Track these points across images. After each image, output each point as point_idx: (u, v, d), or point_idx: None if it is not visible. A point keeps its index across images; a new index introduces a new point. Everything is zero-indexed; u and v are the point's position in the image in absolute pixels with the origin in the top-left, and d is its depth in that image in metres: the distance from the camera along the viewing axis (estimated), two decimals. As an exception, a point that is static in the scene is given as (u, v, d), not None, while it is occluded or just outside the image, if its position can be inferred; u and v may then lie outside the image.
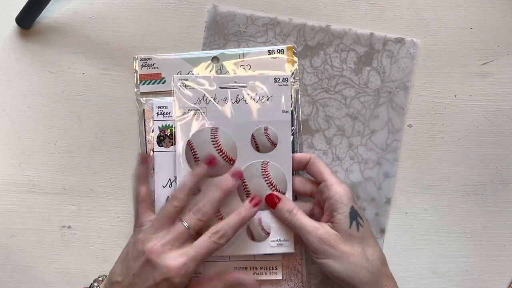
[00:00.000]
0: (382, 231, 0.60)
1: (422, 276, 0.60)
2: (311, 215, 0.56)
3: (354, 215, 0.54)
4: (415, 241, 0.58)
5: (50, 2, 0.60)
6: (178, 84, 0.58)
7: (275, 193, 0.57)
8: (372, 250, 0.54)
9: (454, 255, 0.60)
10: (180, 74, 0.60)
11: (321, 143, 0.61)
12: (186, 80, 0.58)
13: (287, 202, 0.56)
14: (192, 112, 0.58)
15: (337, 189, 0.54)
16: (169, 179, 0.59)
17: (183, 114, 0.58)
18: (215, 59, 0.61)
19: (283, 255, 0.59)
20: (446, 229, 0.60)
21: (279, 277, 0.59)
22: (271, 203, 0.57)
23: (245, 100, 0.58)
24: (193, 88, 0.58)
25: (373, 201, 0.60)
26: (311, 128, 0.61)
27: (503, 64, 0.62)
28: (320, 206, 0.57)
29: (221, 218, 0.57)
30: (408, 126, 0.61)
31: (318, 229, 0.54)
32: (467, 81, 0.62)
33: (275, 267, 0.59)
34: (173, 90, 0.59)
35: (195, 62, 0.61)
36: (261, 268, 0.59)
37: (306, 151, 0.61)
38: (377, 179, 0.60)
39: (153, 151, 0.60)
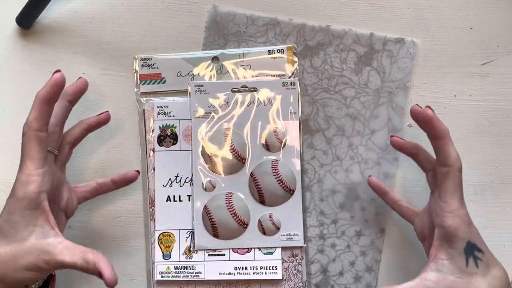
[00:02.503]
0: (382, 231, 0.60)
1: (422, 276, 0.60)
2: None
3: (471, 250, 0.49)
4: (415, 241, 0.58)
5: (50, 2, 0.60)
6: (194, 89, 0.60)
7: None
8: (498, 281, 0.49)
9: (454, 255, 0.60)
10: (180, 74, 0.61)
11: (321, 143, 0.61)
12: (201, 85, 0.60)
13: None
14: (207, 114, 0.60)
15: (454, 219, 0.49)
16: (169, 178, 0.60)
17: (199, 117, 0.60)
18: (215, 59, 0.61)
19: (284, 255, 0.59)
20: (446, 229, 0.60)
21: (279, 277, 0.59)
22: None
23: (256, 103, 0.60)
24: (208, 93, 0.60)
25: (373, 201, 0.60)
26: (311, 128, 0.61)
27: (503, 64, 0.62)
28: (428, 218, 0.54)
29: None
30: (408, 126, 0.61)
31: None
32: (467, 81, 0.62)
33: (275, 267, 0.59)
34: (189, 93, 0.60)
35: (195, 62, 0.61)
36: (261, 268, 0.59)
37: (306, 151, 0.61)
38: (377, 179, 0.60)
39: (154, 151, 0.60)
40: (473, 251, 0.49)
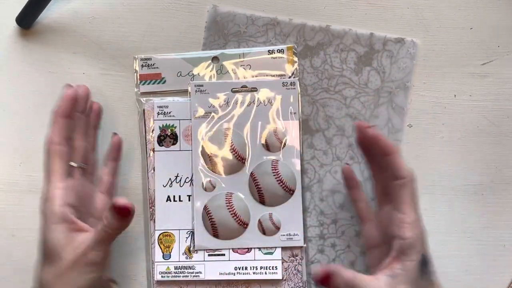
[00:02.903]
0: (382, 231, 0.60)
1: (422, 276, 0.60)
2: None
3: (424, 263, 0.50)
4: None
5: (50, 2, 0.60)
6: (194, 89, 0.60)
7: (325, 269, 0.50)
8: None
9: (454, 255, 0.60)
10: (180, 74, 0.61)
11: (321, 143, 0.61)
12: (201, 85, 0.60)
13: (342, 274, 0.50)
14: (207, 114, 0.60)
15: (413, 230, 0.50)
16: (169, 178, 0.60)
17: (199, 117, 0.60)
18: (215, 59, 0.61)
19: (284, 255, 0.59)
20: (446, 229, 0.60)
21: (279, 277, 0.59)
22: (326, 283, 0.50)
23: (256, 103, 0.60)
24: (208, 93, 0.60)
25: (373, 201, 0.60)
26: (311, 128, 0.61)
27: (503, 64, 0.62)
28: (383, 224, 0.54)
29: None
30: (408, 126, 0.61)
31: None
32: (467, 81, 0.62)
33: (275, 267, 0.59)
34: (189, 93, 0.60)
35: (195, 62, 0.61)
36: (261, 268, 0.59)
37: (306, 151, 0.61)
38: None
39: (154, 151, 0.60)
40: (426, 265, 0.50)
